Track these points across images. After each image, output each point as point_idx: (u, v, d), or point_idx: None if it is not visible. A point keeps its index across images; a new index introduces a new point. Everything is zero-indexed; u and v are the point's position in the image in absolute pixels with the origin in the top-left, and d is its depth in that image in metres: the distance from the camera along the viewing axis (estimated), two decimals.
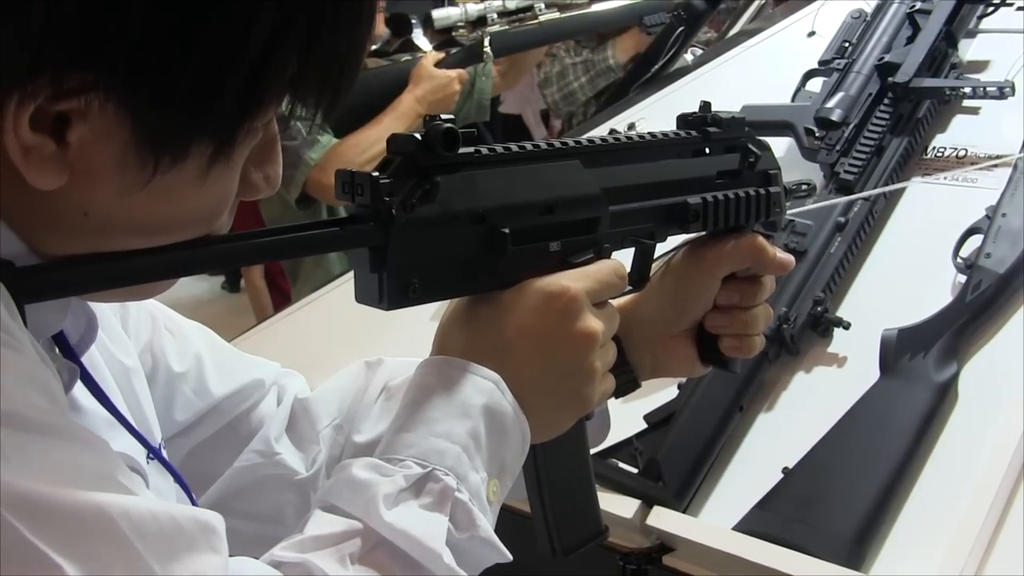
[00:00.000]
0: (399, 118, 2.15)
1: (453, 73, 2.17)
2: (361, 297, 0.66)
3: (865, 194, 1.30)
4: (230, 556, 0.55)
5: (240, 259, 0.64)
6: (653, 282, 0.82)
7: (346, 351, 1.54)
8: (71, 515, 0.47)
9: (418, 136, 0.63)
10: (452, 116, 0.65)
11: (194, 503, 0.79)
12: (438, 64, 2.18)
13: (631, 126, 1.79)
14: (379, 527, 0.59)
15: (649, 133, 0.79)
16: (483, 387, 0.66)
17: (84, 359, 0.69)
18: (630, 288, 0.76)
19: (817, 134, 1.40)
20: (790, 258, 0.84)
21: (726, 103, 1.52)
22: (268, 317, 1.86)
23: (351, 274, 1.87)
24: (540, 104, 3.71)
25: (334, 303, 1.70)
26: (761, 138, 0.85)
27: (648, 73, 2.09)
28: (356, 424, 0.87)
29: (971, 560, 0.95)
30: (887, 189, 1.28)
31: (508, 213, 0.68)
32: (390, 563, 0.59)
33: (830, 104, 1.42)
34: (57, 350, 0.66)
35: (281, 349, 1.57)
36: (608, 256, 0.75)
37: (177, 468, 0.78)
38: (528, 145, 0.70)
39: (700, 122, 0.82)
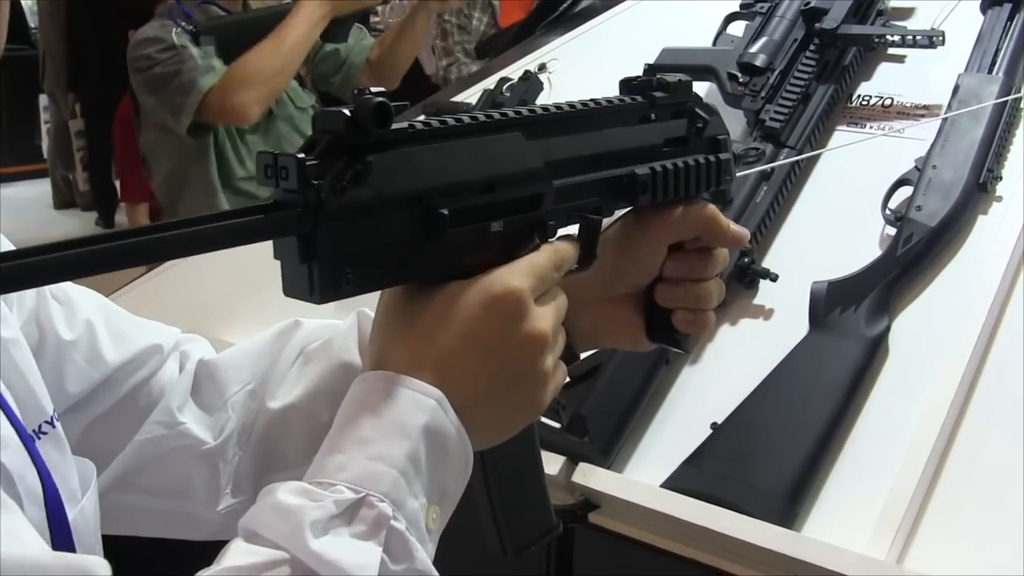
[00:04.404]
0: (301, 24, 1.97)
1: None
2: (290, 290, 0.60)
3: (808, 155, 1.27)
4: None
5: (153, 254, 0.56)
6: None
7: (247, 301, 1.45)
8: None
9: (347, 112, 0.57)
10: (384, 89, 0.59)
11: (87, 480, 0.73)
12: None
13: (542, 67, 1.72)
14: (306, 557, 0.54)
15: (592, 100, 0.73)
16: (424, 405, 0.60)
17: None
18: (576, 268, 0.71)
19: (740, 80, 1.36)
20: (744, 231, 0.80)
21: (642, 46, 1.47)
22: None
23: None
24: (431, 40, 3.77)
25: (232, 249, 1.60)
26: (709, 103, 0.80)
27: (555, 12, 2.03)
28: (271, 389, 0.83)
29: (907, 515, 0.94)
30: (825, 151, 1.26)
31: (446, 193, 0.62)
32: None
33: (753, 49, 1.38)
34: None
35: (172, 300, 1.46)
36: (553, 235, 0.69)
37: (74, 446, 0.73)
38: (465, 118, 0.64)
39: (645, 86, 0.76)
